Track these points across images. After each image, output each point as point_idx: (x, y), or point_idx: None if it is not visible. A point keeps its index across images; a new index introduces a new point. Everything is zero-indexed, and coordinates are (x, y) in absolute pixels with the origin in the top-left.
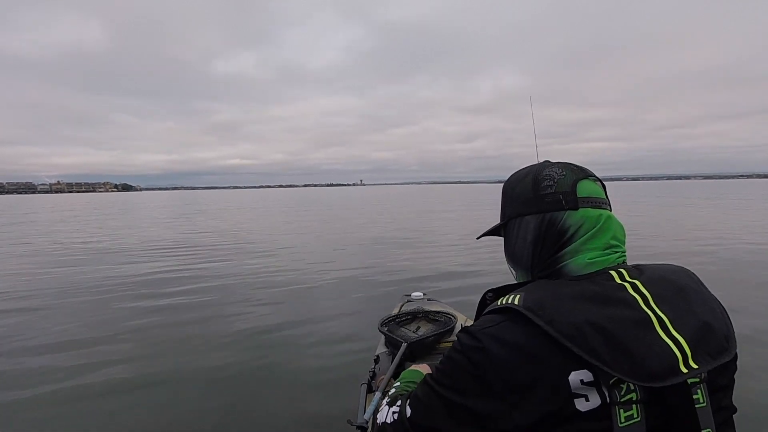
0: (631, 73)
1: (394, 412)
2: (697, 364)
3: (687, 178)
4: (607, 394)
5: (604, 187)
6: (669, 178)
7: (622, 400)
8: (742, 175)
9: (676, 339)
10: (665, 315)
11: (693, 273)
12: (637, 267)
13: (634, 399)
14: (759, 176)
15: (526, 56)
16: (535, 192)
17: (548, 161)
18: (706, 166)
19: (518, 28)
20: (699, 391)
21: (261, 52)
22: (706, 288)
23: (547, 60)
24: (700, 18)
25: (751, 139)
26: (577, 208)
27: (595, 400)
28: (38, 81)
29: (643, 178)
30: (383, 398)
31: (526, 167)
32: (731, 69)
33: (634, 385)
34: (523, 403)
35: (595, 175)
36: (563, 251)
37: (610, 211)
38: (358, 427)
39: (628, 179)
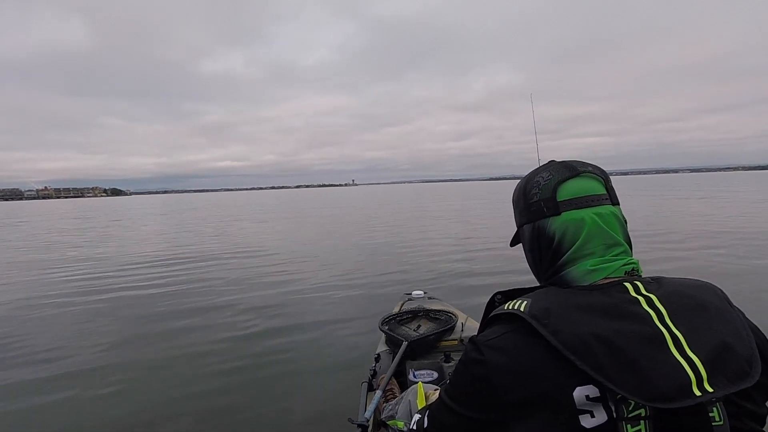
0: (622, 69)
1: (416, 422)
2: (712, 388)
3: (675, 171)
4: (614, 409)
5: (604, 179)
6: (657, 171)
7: (629, 416)
8: (728, 168)
9: (691, 359)
10: (680, 333)
11: (719, 289)
12: (657, 280)
13: (643, 415)
14: (744, 168)
15: (519, 53)
16: (525, 201)
17: (553, 161)
18: (695, 159)
19: (511, 24)
20: (715, 409)
21: (250, 51)
22: (734, 306)
23: (539, 56)
24: (690, 13)
25: (741, 131)
26: (558, 213)
27: (601, 417)
28: (19, 83)
29: (632, 173)
30: (383, 396)
31: (528, 173)
32: (721, 62)
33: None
34: (525, 418)
35: (590, 170)
36: (560, 261)
37: (611, 204)
38: (359, 426)
39: (617, 174)
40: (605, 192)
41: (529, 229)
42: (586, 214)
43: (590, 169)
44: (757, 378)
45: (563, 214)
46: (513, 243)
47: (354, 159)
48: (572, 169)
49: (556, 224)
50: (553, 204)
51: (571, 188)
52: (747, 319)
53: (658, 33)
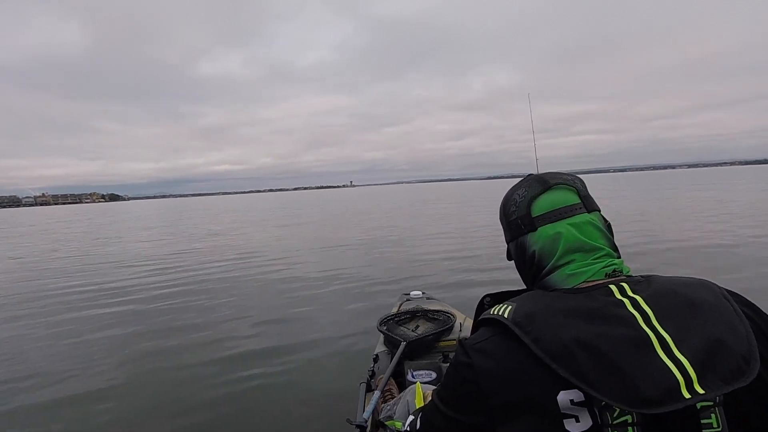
0: (622, 69)
1: (409, 423)
2: (704, 389)
3: (672, 167)
4: (598, 415)
5: (578, 188)
6: (654, 168)
7: (614, 423)
8: (724, 163)
9: (679, 360)
10: (668, 334)
11: (716, 286)
12: (647, 279)
13: (630, 421)
14: (740, 163)
15: (519, 53)
16: (507, 219)
17: (530, 175)
18: (691, 155)
19: (511, 24)
20: (713, 415)
21: (249, 51)
22: (731, 302)
23: (539, 56)
24: (690, 13)
25: (736, 127)
26: (535, 229)
27: (586, 422)
28: (14, 87)
29: (629, 169)
30: (382, 397)
31: (509, 190)
32: (719, 61)
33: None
34: (511, 422)
35: (562, 182)
36: (543, 272)
37: (587, 211)
38: (357, 426)
39: (614, 170)
40: (579, 201)
41: (513, 246)
42: (562, 226)
43: (562, 180)
44: (754, 375)
45: (539, 229)
46: (509, 257)
47: (352, 160)
48: (544, 183)
49: (533, 239)
50: (529, 220)
51: (544, 203)
52: (751, 303)
53: (658, 33)
